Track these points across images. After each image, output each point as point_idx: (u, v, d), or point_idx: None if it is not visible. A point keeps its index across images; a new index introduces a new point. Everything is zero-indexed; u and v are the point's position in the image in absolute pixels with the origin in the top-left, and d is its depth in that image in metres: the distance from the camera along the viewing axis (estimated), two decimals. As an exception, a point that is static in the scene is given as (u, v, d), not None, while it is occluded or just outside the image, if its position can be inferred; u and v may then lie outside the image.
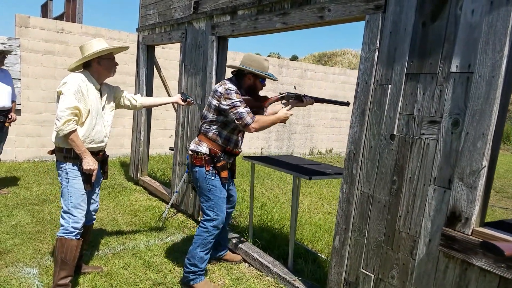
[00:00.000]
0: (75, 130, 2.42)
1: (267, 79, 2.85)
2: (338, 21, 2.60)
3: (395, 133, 2.21)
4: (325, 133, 11.07)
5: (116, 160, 7.41)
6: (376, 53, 2.29)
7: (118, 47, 2.68)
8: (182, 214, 4.51)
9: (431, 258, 2.02)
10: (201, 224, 2.81)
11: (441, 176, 1.98)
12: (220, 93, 2.68)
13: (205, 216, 2.80)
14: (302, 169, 3.08)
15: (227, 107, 2.64)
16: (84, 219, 2.60)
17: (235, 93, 2.66)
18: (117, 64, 2.72)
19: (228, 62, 3.78)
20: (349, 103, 2.96)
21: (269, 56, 11.11)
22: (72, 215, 2.53)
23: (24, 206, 4.38)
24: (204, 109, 2.85)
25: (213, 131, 2.77)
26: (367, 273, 2.35)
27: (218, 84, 2.80)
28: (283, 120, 2.81)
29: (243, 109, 2.63)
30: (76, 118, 2.43)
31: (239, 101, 2.64)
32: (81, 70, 2.63)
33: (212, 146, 2.76)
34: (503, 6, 1.67)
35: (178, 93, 4.55)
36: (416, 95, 2.10)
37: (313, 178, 2.83)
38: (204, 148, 2.76)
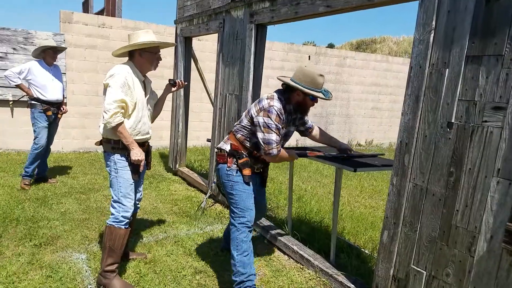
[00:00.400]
0: (122, 122, 2.43)
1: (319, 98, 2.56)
2: (386, 2, 2.44)
3: (453, 120, 2.05)
4: (365, 123, 10.73)
5: (155, 151, 7.56)
6: (432, 35, 2.13)
7: (163, 42, 2.63)
8: (220, 204, 4.52)
9: (492, 255, 1.86)
10: (230, 224, 2.68)
11: (506, 167, 1.80)
12: (263, 106, 2.48)
13: (232, 214, 2.66)
14: (346, 161, 2.95)
15: (260, 125, 2.46)
16: (133, 208, 2.63)
17: (277, 114, 2.45)
18: (160, 59, 2.68)
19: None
20: None
21: (304, 44, 10.85)
22: (122, 204, 2.56)
23: (71, 194, 4.56)
24: (244, 112, 2.73)
25: (243, 134, 2.64)
26: (419, 269, 2.21)
27: (266, 95, 2.59)
28: (291, 159, 2.77)
29: (275, 137, 2.46)
30: (123, 110, 2.43)
31: (276, 126, 2.45)
32: (126, 60, 2.64)
33: (237, 145, 2.65)
34: None
35: (214, 85, 4.54)
36: (478, 79, 1.93)
37: (358, 170, 2.70)
38: (228, 146, 2.66)
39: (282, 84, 2.62)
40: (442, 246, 2.09)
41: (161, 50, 2.71)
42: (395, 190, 2.36)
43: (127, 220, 2.60)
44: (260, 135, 2.46)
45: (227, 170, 2.63)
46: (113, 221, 2.56)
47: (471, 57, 1.96)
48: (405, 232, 2.30)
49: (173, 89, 2.90)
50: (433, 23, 2.11)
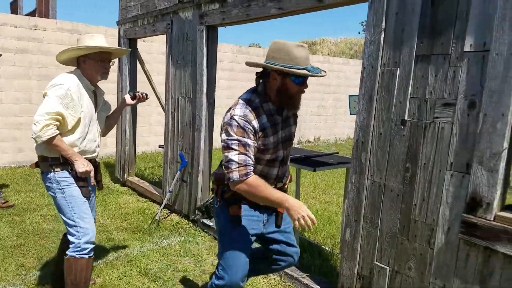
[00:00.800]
0: (57, 135, 2.11)
1: (307, 76, 1.79)
2: (338, 3, 2.48)
3: (406, 118, 2.12)
4: (312, 121, 11.02)
5: (99, 161, 7.15)
6: (382, 35, 2.18)
7: (108, 47, 2.30)
8: (176, 214, 4.33)
9: (450, 247, 1.95)
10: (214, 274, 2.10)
11: (458, 160, 1.89)
12: (224, 121, 1.81)
13: (217, 264, 2.10)
14: (304, 161, 2.97)
15: (222, 145, 1.78)
16: (94, 228, 2.29)
17: (238, 126, 1.74)
18: (108, 67, 2.36)
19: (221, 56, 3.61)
20: None
21: (250, 46, 10.91)
22: (80, 227, 2.22)
23: (3, 217, 4.03)
24: None
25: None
26: (382, 265, 2.27)
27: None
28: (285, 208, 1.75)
29: (236, 156, 1.72)
30: (57, 123, 2.11)
31: (238, 141, 1.73)
32: (74, 68, 2.37)
33: (220, 173, 1.96)
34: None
35: (164, 87, 4.37)
36: (428, 77, 2.01)
37: (317, 169, 2.72)
38: (215, 172, 2.02)
39: (257, 73, 1.90)
40: (403, 240, 2.16)
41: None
42: (354, 188, 2.40)
43: (91, 246, 2.25)
44: (223, 157, 1.80)
45: (216, 205, 2.02)
46: (74, 251, 2.21)
47: (420, 57, 2.04)
48: (366, 229, 2.34)
49: (132, 102, 2.65)
50: (383, 24, 2.17)
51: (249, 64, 1.91)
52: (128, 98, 2.65)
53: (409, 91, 2.09)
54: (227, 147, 1.74)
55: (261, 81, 1.88)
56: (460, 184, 1.89)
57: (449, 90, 1.92)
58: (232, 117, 1.77)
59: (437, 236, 2.00)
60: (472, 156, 1.83)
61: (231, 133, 1.73)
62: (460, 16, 1.85)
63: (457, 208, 1.91)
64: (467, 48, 1.82)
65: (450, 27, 1.89)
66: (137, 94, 2.63)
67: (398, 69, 2.14)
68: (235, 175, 1.71)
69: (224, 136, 1.77)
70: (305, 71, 1.73)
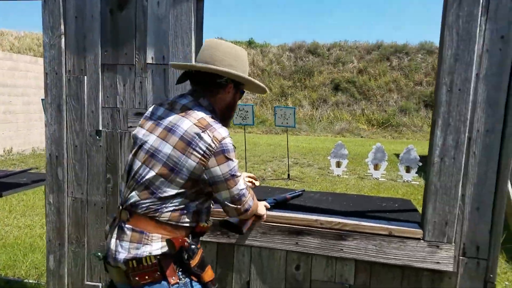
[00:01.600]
0: None
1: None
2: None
3: (100, 128, 2.07)
4: (-1, 130, 9.15)
5: None
6: (63, 40, 2.02)
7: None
8: None
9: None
10: None
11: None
12: (209, 146, 1.29)
13: None
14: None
15: (221, 178, 1.31)
16: None
17: (233, 147, 1.36)
18: None
19: None
20: None
21: None
22: None
23: None
24: (140, 170, 1.35)
25: (173, 207, 1.33)
26: (94, 283, 2.16)
27: (187, 119, 1.33)
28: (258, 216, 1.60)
29: (242, 182, 1.38)
30: None
31: (237, 165, 1.38)
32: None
33: (175, 232, 1.34)
34: (185, 2, 1.84)
35: None
36: (117, 86, 2.03)
37: (4, 194, 2.26)
38: (156, 246, 1.30)
39: (197, 83, 1.44)
40: (112, 251, 2.13)
41: None
42: (53, 208, 2.15)
43: None
44: (225, 193, 1.35)
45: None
46: None
47: (107, 65, 2.03)
48: (72, 250, 2.16)
49: None
50: (62, 27, 2.01)
51: (204, 68, 1.38)
52: None
53: (100, 101, 2.05)
54: (232, 177, 1.34)
55: (201, 93, 1.42)
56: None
57: (139, 99, 2.01)
58: (224, 139, 1.32)
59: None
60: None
61: (233, 158, 1.35)
62: (139, 29, 1.96)
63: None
64: (149, 60, 1.96)
65: (132, 39, 1.98)
66: None
67: (86, 77, 2.05)
68: (250, 202, 1.43)
69: (225, 168, 1.32)
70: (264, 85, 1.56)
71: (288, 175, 7.11)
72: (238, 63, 1.40)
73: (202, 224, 1.40)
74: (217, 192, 1.34)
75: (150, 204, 1.30)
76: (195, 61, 1.44)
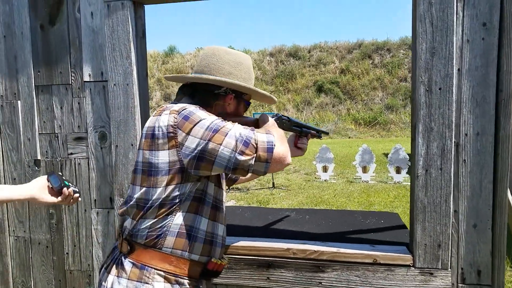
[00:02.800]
0: None
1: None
2: None
3: (39, 157, 1.81)
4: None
5: None
6: (-12, 62, 1.76)
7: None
8: None
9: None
10: None
11: (102, 196, 1.77)
12: (170, 123, 1.03)
13: None
14: None
15: (203, 143, 1.00)
16: None
17: (201, 109, 1.09)
18: None
19: None
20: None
21: None
22: None
23: None
24: (133, 190, 1.11)
25: (174, 229, 1.07)
26: (45, 336, 1.88)
27: (153, 115, 1.11)
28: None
29: (241, 128, 1.04)
30: None
31: (219, 119, 1.06)
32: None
33: (181, 271, 1.08)
34: (120, 10, 1.59)
35: None
36: (53, 110, 1.77)
37: None
38: (157, 286, 1.05)
39: (193, 97, 1.17)
40: (62, 298, 1.85)
41: None
42: (-8, 254, 1.87)
43: None
44: (223, 154, 1.00)
45: None
46: None
47: (41, 87, 1.77)
48: (16, 300, 1.88)
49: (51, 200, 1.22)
50: (-13, 47, 1.75)
51: (205, 79, 1.15)
52: (44, 189, 1.18)
53: (37, 127, 1.79)
54: (216, 130, 1.01)
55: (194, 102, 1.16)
56: (107, 220, 1.77)
57: (78, 123, 1.76)
58: (184, 109, 1.05)
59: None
60: (113, 189, 1.75)
61: (205, 117, 1.04)
62: (74, 43, 1.71)
63: (109, 246, 1.79)
64: (86, 78, 1.71)
65: (66, 55, 1.72)
66: (67, 189, 1.20)
67: (20, 101, 1.79)
68: (264, 136, 1.03)
69: (202, 126, 1.01)
70: (271, 95, 1.29)
71: (273, 183, 6.85)
72: (239, 71, 1.19)
73: (215, 260, 1.12)
74: (215, 160, 0.99)
75: (149, 229, 1.06)
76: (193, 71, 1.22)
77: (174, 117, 1.02)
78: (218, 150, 0.98)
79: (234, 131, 1.00)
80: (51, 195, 1.15)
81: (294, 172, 8.25)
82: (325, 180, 7.25)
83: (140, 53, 1.67)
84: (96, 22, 1.66)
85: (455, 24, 1.30)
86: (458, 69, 1.33)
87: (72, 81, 1.73)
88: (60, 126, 1.77)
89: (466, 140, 1.35)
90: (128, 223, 1.11)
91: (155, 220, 1.06)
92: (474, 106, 1.33)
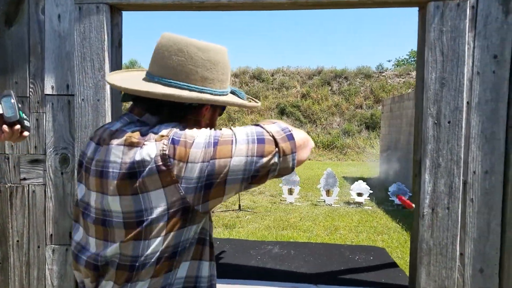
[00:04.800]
0: None
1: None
2: None
3: (-18, 182, 1.51)
4: None
5: None
6: None
7: None
8: None
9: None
10: None
11: (59, 230, 1.50)
12: (159, 154, 0.76)
13: None
14: None
15: (206, 168, 0.76)
16: None
17: (192, 129, 0.82)
18: None
19: None
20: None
21: None
22: None
23: None
24: (106, 249, 0.80)
25: (178, 285, 0.82)
26: None
27: (115, 144, 0.79)
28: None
29: (243, 128, 0.84)
30: None
31: (211, 130, 0.83)
32: None
33: None
34: (94, 15, 1.39)
35: None
36: (4, 126, 1.50)
37: None
38: None
39: (154, 112, 0.86)
40: None
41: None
42: None
43: None
44: (238, 161, 0.76)
45: None
46: None
47: (-10, 98, 1.50)
48: None
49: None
50: None
51: (161, 96, 0.82)
52: None
53: (-18, 145, 1.51)
54: (216, 142, 0.77)
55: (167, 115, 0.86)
56: (64, 259, 1.50)
57: (35, 142, 1.49)
58: (174, 131, 0.79)
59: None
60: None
61: (198, 134, 0.79)
62: (35, 49, 1.47)
63: (65, 289, 1.51)
64: (48, 90, 1.47)
65: (24, 63, 1.47)
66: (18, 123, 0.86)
67: (-39, 114, 1.50)
68: (276, 126, 0.82)
69: (197, 146, 0.77)
70: (242, 100, 0.96)
71: (239, 205, 6.65)
72: (215, 72, 0.89)
73: None
74: (227, 179, 0.77)
75: None
76: (148, 72, 0.89)
77: (164, 144, 0.76)
78: (228, 165, 0.76)
79: (238, 134, 0.79)
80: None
81: (259, 194, 8.10)
82: (291, 203, 7.16)
83: (115, 65, 1.46)
84: (64, 26, 1.43)
85: (466, 54, 1.23)
86: (467, 102, 1.26)
87: (31, 93, 1.47)
88: (12, 146, 1.50)
89: (474, 178, 1.26)
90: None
91: (153, 281, 0.79)
92: (483, 142, 1.25)
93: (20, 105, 0.87)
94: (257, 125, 0.82)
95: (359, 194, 7.09)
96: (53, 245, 1.50)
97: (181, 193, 0.76)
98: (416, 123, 1.36)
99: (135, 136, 0.79)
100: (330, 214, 6.35)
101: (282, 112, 19.76)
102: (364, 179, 7.86)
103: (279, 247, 1.90)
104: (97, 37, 1.39)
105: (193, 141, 0.77)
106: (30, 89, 1.47)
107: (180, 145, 0.77)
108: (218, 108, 0.96)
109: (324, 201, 7.15)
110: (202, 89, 0.87)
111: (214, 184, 0.76)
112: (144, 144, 0.77)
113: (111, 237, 0.79)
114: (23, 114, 0.88)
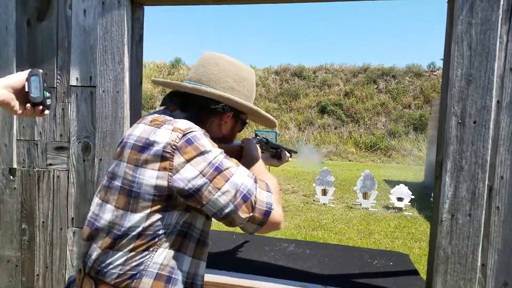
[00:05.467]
0: None
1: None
2: None
3: (15, 166, 1.62)
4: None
5: None
6: (-33, 57, 1.59)
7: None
8: None
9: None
10: None
11: (80, 214, 1.58)
12: (169, 141, 0.85)
13: None
14: None
15: (200, 179, 0.84)
16: None
17: (206, 135, 0.91)
18: None
19: None
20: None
21: None
22: None
23: None
24: (103, 209, 0.90)
25: (153, 269, 0.87)
26: None
27: (142, 123, 0.93)
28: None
29: (244, 175, 0.89)
30: None
31: (222, 154, 0.90)
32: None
33: None
34: (116, 9, 1.43)
35: None
36: (33, 114, 1.59)
37: None
38: None
39: (184, 109, 0.99)
40: (25, 328, 1.64)
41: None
42: (-49, 271, 1.66)
43: None
44: (217, 200, 0.85)
45: None
46: None
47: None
48: (-26, 326, 1.66)
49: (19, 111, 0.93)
50: (-33, 40, 1.59)
51: (197, 89, 0.96)
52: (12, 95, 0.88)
53: (15, 132, 1.61)
54: (218, 169, 0.86)
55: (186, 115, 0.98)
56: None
57: (60, 131, 1.57)
58: (190, 132, 0.87)
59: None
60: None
61: (210, 148, 0.87)
62: (62, 43, 1.54)
63: (83, 272, 1.58)
64: (73, 82, 1.54)
65: (52, 55, 1.55)
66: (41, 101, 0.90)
67: (-2, 102, 1.61)
68: (269, 200, 0.89)
69: (200, 165, 0.85)
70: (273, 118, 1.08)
71: (272, 204, 6.65)
72: (242, 86, 1.02)
73: None
74: (206, 203, 0.84)
75: (122, 266, 0.85)
76: (187, 79, 1.02)
77: (177, 137, 0.84)
78: (214, 196, 0.84)
79: (237, 178, 0.86)
80: (17, 100, 0.86)
81: (292, 193, 8.03)
82: (324, 204, 7.02)
83: (135, 59, 1.50)
84: (88, 21, 1.49)
85: (497, 49, 1.13)
86: (498, 101, 1.15)
87: (58, 84, 1.55)
88: (40, 133, 1.59)
89: (501, 184, 1.16)
90: (92, 250, 0.88)
91: (130, 254, 0.85)
92: (513, 145, 1.15)
93: (45, 84, 0.90)
94: (256, 180, 0.89)
95: (400, 199, 6.80)
96: (74, 228, 1.57)
97: (170, 183, 0.83)
98: (440, 123, 1.27)
99: (159, 119, 0.90)
100: (366, 217, 6.15)
101: (322, 111, 19.40)
102: (406, 183, 7.52)
103: (294, 245, 1.86)
104: (117, 31, 1.43)
105: (204, 151, 0.85)
106: (57, 81, 1.55)
107: (191, 146, 0.84)
108: (239, 121, 1.06)
109: (361, 204, 6.94)
110: (237, 98, 0.97)
111: (195, 198, 0.84)
112: (162, 126, 0.87)
113: (108, 199, 0.89)
114: (47, 93, 0.91)
